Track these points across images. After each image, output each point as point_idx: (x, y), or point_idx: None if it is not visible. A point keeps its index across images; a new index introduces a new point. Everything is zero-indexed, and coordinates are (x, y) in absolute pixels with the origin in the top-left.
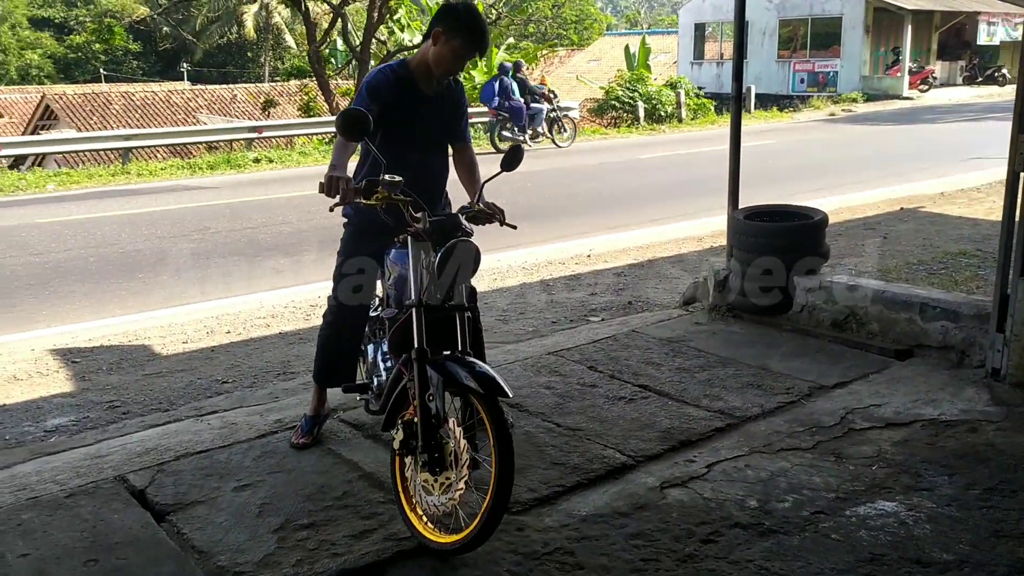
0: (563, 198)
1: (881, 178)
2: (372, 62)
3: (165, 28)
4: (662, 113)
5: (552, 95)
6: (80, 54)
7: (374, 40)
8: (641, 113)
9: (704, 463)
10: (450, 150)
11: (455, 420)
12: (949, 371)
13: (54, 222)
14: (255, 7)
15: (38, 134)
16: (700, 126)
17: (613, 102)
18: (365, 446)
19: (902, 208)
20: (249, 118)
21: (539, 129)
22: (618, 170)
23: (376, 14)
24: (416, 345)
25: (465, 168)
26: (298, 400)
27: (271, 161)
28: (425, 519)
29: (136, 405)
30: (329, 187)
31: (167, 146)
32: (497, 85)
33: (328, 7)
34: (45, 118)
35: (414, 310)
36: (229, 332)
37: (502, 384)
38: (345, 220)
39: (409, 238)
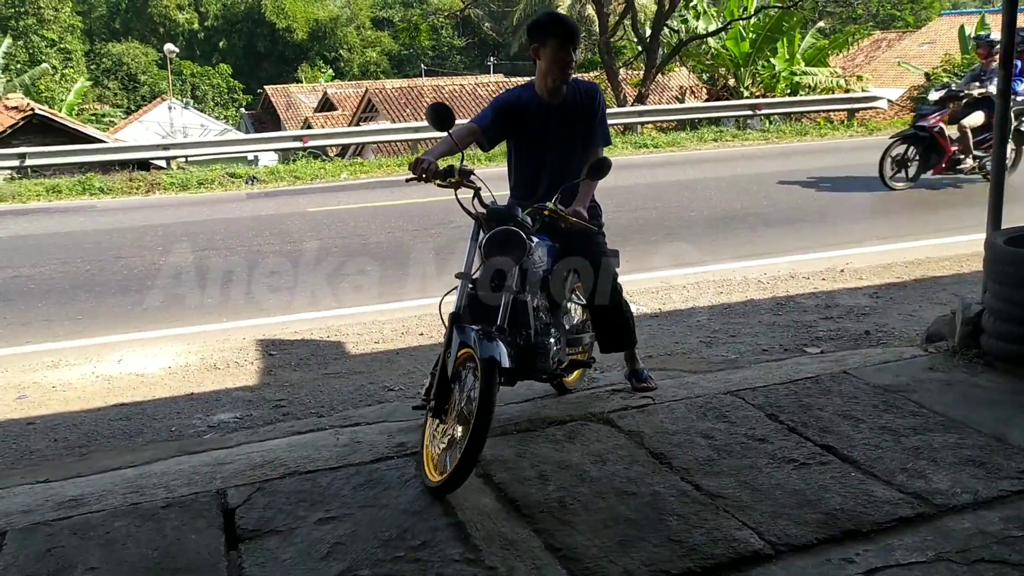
0: (833, 200)
1: None
2: (663, 50)
3: (487, 24)
4: None
5: None
6: (411, 51)
7: (667, 30)
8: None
9: (864, 566)
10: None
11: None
12: None
13: (318, 211)
14: (569, 1)
15: (359, 126)
16: None
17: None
18: (472, 486)
19: None
20: None
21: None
22: None
23: (667, 3)
24: (454, 310)
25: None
26: None
27: None
28: (432, 463)
29: (300, 407)
30: (415, 166)
31: None
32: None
33: None
34: (367, 110)
35: (461, 281)
36: (422, 334)
37: (499, 359)
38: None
39: (474, 222)
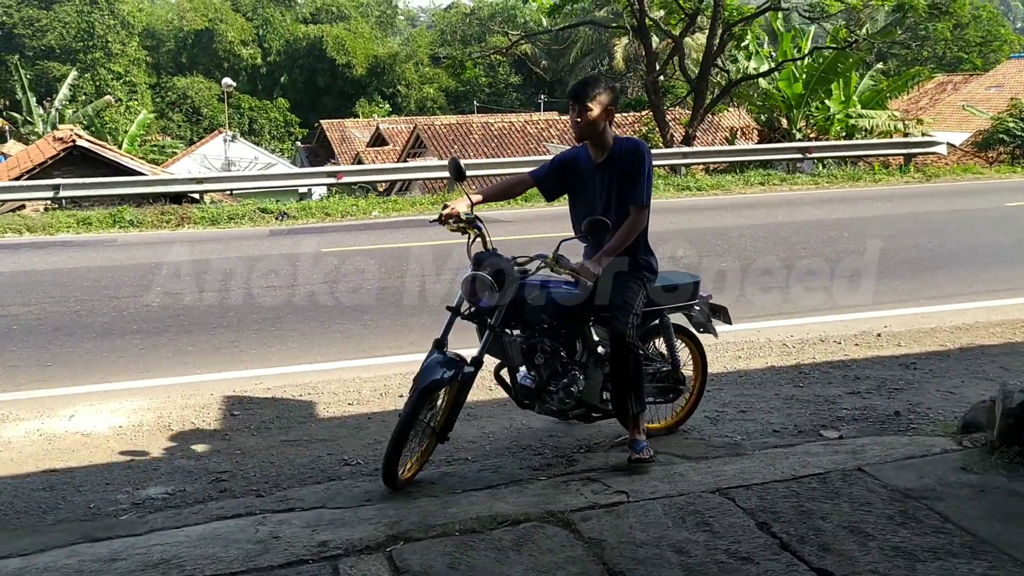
0: (878, 254)
1: None
2: (714, 90)
3: (543, 62)
4: None
5: None
6: (468, 87)
7: (718, 69)
8: None
9: None
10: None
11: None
12: None
13: (331, 252)
14: (625, 39)
15: (407, 161)
16: None
17: (1001, 135)
18: None
19: None
20: None
21: None
22: (973, 219)
23: (716, 44)
24: (439, 337)
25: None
26: (376, 513)
27: None
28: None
29: (242, 482)
30: (443, 209)
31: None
32: None
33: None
34: (416, 146)
35: (450, 315)
36: (402, 396)
37: (436, 385)
38: None
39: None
